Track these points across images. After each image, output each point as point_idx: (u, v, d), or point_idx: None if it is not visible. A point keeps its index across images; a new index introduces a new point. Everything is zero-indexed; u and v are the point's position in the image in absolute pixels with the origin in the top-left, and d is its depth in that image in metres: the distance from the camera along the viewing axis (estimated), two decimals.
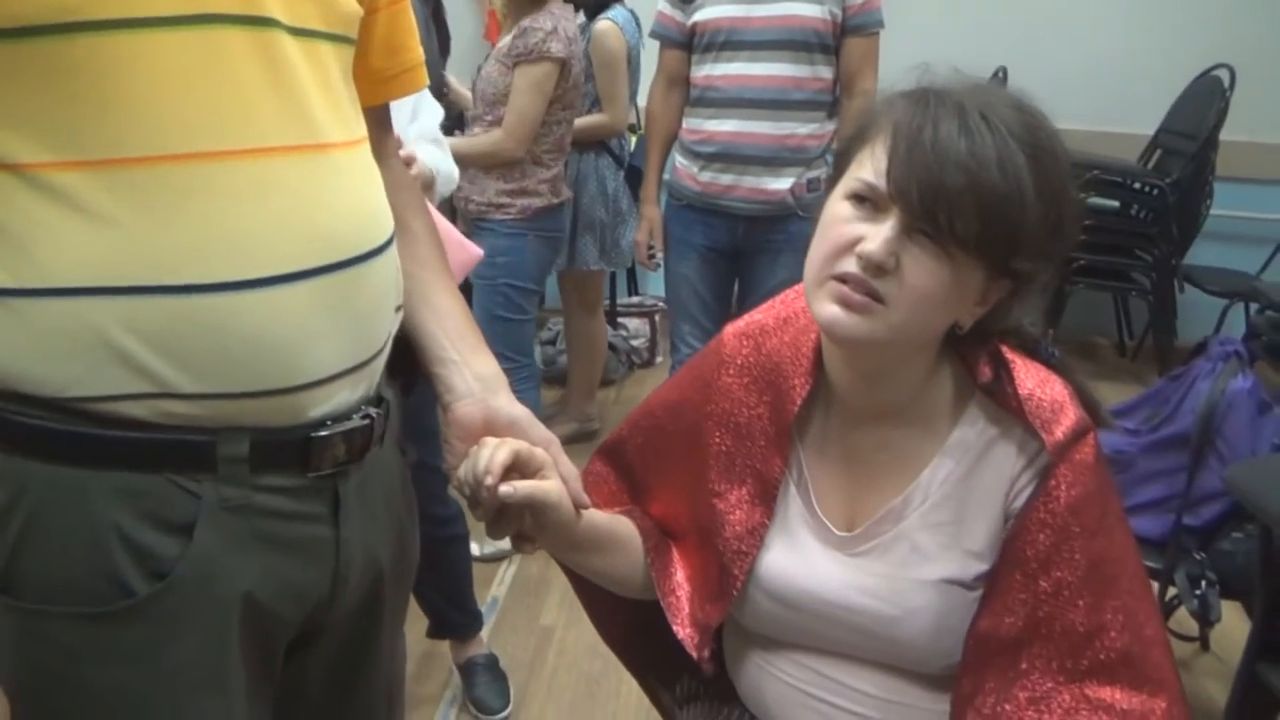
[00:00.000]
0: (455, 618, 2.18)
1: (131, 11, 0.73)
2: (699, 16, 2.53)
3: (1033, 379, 0.97)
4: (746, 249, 2.64)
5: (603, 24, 3.12)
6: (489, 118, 2.73)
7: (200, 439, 0.79)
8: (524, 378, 2.83)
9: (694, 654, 1.07)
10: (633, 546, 1.12)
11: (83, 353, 0.75)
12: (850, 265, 0.89)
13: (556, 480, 0.96)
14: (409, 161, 1.63)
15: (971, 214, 0.85)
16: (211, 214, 0.77)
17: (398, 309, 0.96)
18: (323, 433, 0.85)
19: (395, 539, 0.99)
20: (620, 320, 4.25)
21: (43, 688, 0.81)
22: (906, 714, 1.03)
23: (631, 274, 4.47)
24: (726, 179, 2.56)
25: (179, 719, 0.82)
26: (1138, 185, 4.08)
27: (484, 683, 2.19)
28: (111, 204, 0.74)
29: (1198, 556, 1.95)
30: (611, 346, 3.93)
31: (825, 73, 2.51)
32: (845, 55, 2.51)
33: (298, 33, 0.82)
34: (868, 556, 1.01)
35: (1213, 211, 4.16)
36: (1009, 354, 0.99)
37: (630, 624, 1.25)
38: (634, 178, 3.22)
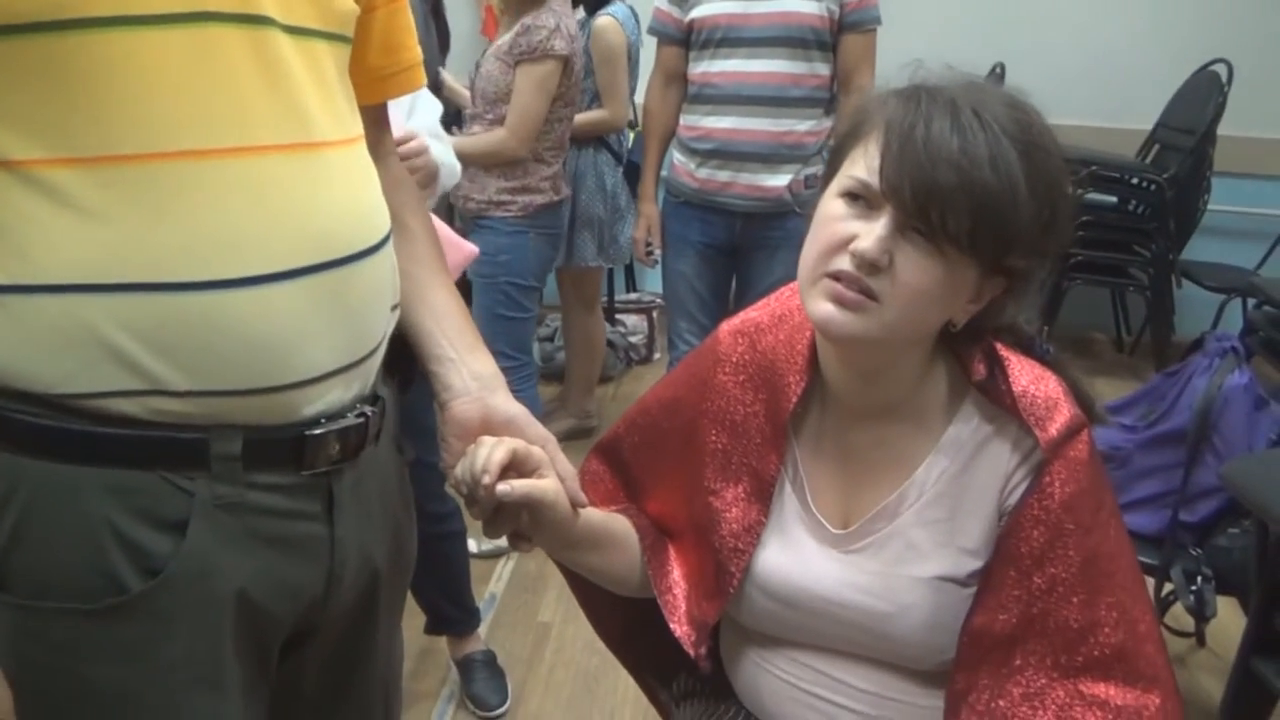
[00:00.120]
0: (453, 614, 2.18)
1: (125, 9, 0.73)
2: (696, 13, 2.53)
3: (1027, 376, 0.97)
4: (744, 246, 2.64)
5: (603, 19, 3.12)
6: (489, 116, 2.73)
7: (193, 436, 0.79)
8: (524, 376, 2.83)
9: (690, 651, 1.07)
10: (629, 545, 1.12)
11: (75, 349, 0.75)
12: (844, 263, 0.89)
13: (553, 479, 0.96)
14: (420, 151, 1.63)
15: (964, 212, 0.85)
16: (204, 212, 0.77)
17: (394, 308, 0.96)
18: (317, 431, 0.85)
19: (391, 537, 0.99)
20: (618, 317, 4.25)
21: (38, 683, 0.81)
22: (901, 710, 1.03)
23: (629, 270, 4.47)
24: (724, 176, 2.56)
25: (174, 715, 0.83)
26: (1135, 181, 4.08)
27: (482, 679, 2.20)
28: (104, 201, 0.74)
29: (1194, 552, 1.95)
30: (610, 343, 3.93)
31: (823, 69, 2.51)
32: (843, 52, 2.51)
33: (293, 31, 0.82)
34: (862, 553, 1.02)
35: (1210, 207, 4.16)
36: (1003, 351, 0.99)
37: (627, 622, 1.25)
38: (632, 174, 3.21)
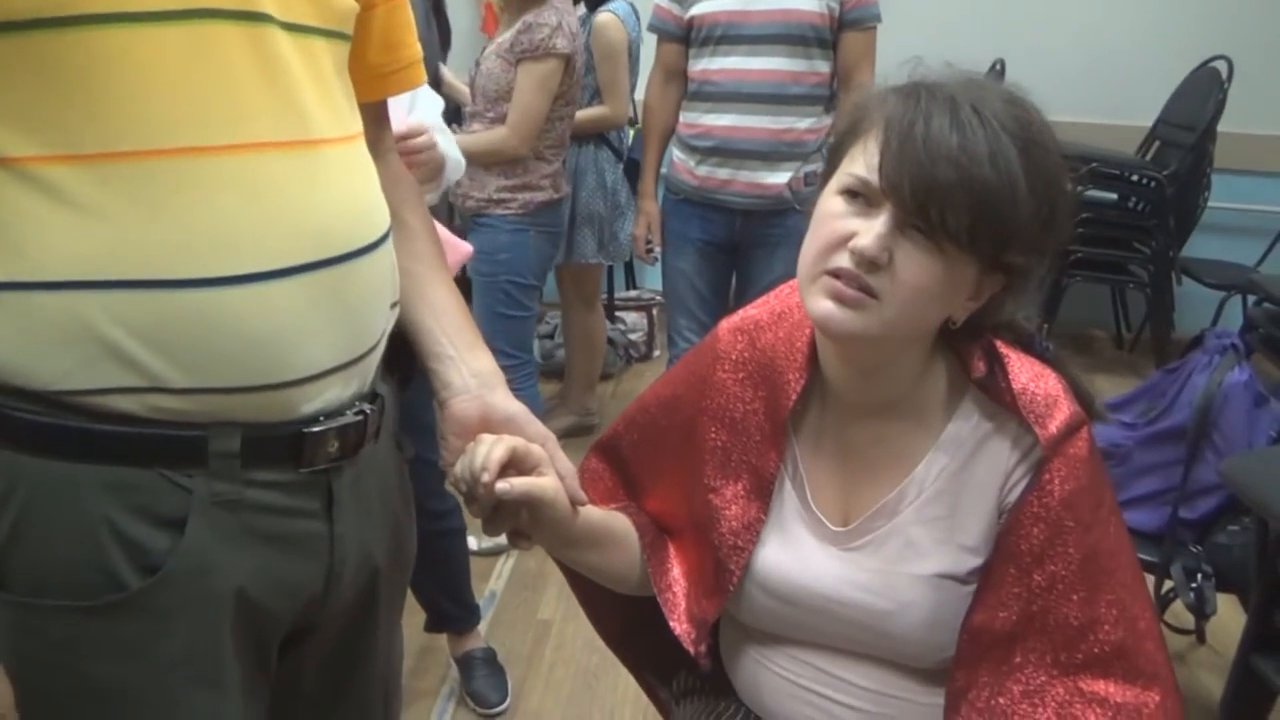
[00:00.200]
0: (453, 612, 2.18)
1: (123, 6, 0.73)
2: (696, 10, 2.53)
3: (1026, 373, 0.97)
4: (744, 243, 2.64)
5: (603, 16, 3.12)
6: (490, 114, 2.72)
7: (191, 434, 0.79)
8: (524, 375, 2.83)
9: (690, 649, 1.07)
10: (629, 543, 1.12)
11: (73, 346, 0.75)
12: (843, 260, 0.89)
13: (553, 477, 0.96)
14: (429, 145, 1.63)
15: (963, 209, 0.85)
16: (201, 209, 0.77)
17: (393, 305, 0.96)
18: (315, 428, 0.85)
19: (391, 534, 0.99)
20: (618, 314, 4.25)
21: (38, 680, 0.81)
22: (901, 707, 1.03)
23: (629, 268, 4.47)
24: (724, 173, 2.56)
25: (172, 712, 0.83)
26: (1135, 178, 4.08)
27: (482, 676, 2.20)
28: (101, 198, 0.74)
29: (1194, 549, 1.95)
30: (610, 340, 3.93)
31: (823, 67, 2.51)
32: (843, 49, 2.51)
33: (291, 28, 0.82)
34: (862, 551, 1.02)
35: (1210, 204, 4.16)
36: (1003, 348, 0.99)
37: (626, 620, 1.25)
38: (632, 171, 3.21)
